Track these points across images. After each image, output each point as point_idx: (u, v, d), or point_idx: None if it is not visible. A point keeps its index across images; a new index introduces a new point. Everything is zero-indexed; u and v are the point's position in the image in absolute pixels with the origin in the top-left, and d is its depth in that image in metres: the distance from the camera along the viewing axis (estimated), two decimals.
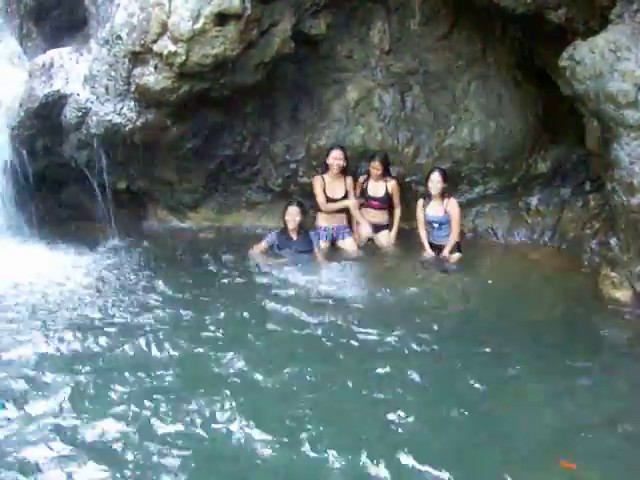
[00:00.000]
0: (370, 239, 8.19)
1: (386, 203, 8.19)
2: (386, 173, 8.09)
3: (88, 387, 4.48)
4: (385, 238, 8.16)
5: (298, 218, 7.68)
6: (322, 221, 8.17)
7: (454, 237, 7.77)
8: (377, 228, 8.20)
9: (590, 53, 6.16)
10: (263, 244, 7.67)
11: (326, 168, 8.08)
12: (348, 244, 8.08)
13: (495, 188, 8.47)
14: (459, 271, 7.35)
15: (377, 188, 8.16)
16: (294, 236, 7.67)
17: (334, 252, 7.99)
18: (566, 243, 8.03)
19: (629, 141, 5.98)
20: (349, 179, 8.16)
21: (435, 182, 7.70)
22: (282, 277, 6.91)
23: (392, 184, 8.12)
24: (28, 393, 4.37)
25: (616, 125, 6.04)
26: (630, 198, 5.99)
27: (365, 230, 8.14)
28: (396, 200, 8.19)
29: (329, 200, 8.07)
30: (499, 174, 8.41)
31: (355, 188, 8.22)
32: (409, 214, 8.21)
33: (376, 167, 8.02)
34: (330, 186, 8.09)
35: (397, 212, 8.22)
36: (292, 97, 8.41)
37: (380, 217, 8.23)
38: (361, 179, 8.26)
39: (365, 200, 8.20)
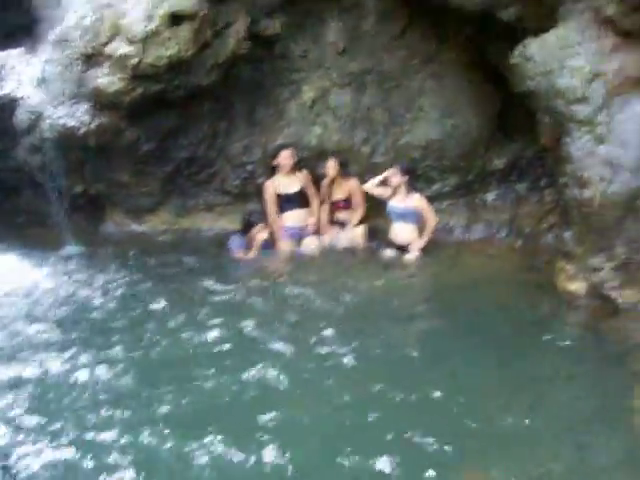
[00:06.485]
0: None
1: (350, 204, 8.22)
2: (344, 174, 8.13)
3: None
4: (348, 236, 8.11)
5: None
6: (288, 221, 8.14)
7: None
8: (343, 226, 8.20)
9: (540, 50, 6.22)
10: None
11: (273, 170, 8.15)
12: (308, 243, 8.10)
13: (452, 185, 8.50)
14: (416, 268, 7.38)
15: (338, 192, 8.19)
16: None
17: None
18: (522, 238, 8.11)
19: (580, 136, 6.06)
20: (303, 173, 8.18)
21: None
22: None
23: (350, 185, 8.16)
24: None
25: (566, 120, 6.12)
26: (582, 192, 6.06)
27: (328, 237, 8.16)
28: (357, 199, 8.18)
29: (282, 196, 8.08)
30: (456, 171, 8.46)
31: (320, 189, 8.25)
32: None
33: (330, 167, 8.08)
34: (282, 184, 8.12)
35: (359, 212, 8.20)
36: (248, 98, 8.38)
37: (346, 215, 8.23)
38: (325, 182, 8.23)
39: (331, 203, 8.23)
